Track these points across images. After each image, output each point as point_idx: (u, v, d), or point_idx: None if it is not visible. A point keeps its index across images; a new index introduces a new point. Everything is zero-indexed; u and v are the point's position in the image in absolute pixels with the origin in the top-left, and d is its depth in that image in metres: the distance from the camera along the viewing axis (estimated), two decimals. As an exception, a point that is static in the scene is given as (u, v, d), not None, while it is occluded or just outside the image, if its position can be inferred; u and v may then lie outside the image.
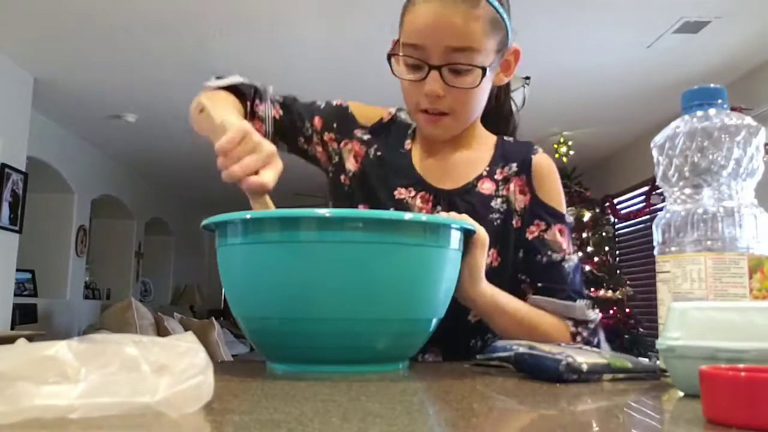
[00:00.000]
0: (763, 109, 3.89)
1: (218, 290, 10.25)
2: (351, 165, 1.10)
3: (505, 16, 0.97)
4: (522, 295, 0.99)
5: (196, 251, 9.79)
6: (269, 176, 0.82)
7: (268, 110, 1.08)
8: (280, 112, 1.10)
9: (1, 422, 0.39)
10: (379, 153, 1.09)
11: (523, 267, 1.02)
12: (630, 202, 5.82)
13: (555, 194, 1.05)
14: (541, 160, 1.06)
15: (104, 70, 4.20)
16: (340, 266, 0.70)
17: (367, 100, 1.24)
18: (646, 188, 5.44)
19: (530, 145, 1.08)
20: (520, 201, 1.03)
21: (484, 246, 0.86)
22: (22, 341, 0.45)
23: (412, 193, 1.05)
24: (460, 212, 0.99)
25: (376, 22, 3.50)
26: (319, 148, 1.12)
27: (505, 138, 1.11)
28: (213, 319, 5.63)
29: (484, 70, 0.94)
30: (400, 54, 0.96)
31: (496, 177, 1.05)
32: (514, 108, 1.16)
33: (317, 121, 1.11)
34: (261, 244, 0.73)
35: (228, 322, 7.50)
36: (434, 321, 0.79)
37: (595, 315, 1.00)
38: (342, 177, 1.10)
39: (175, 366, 0.44)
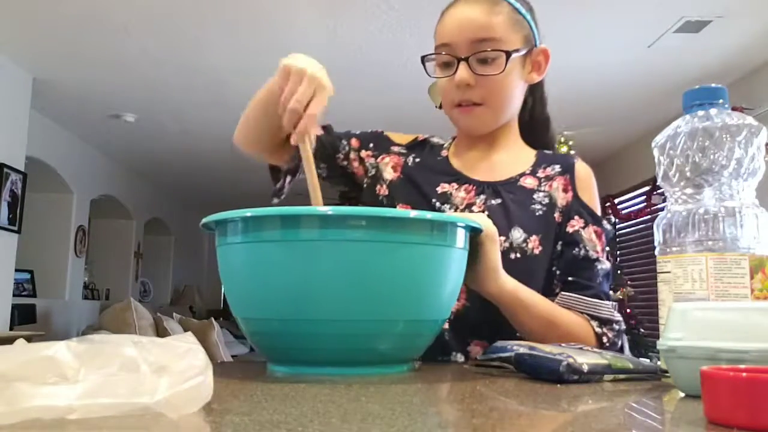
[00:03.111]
0: (765, 108, 3.89)
1: (218, 291, 10.26)
2: (389, 175, 1.15)
3: (527, 16, 1.06)
4: (553, 289, 1.01)
5: (196, 251, 9.79)
6: (315, 106, 0.88)
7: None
8: (321, 131, 1.16)
9: (1, 423, 0.39)
10: (418, 160, 1.15)
11: (558, 259, 1.04)
12: (631, 202, 5.82)
13: (593, 200, 1.09)
14: (583, 166, 1.12)
15: (103, 69, 4.20)
16: (342, 266, 0.68)
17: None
18: (647, 188, 5.44)
19: (571, 156, 1.14)
20: (562, 198, 1.06)
21: (495, 240, 0.87)
22: (20, 342, 0.45)
23: (456, 187, 1.09)
24: (504, 202, 1.04)
25: (376, 23, 3.50)
26: (356, 164, 1.17)
27: (546, 152, 1.16)
28: (212, 319, 5.63)
29: (507, 54, 1.00)
30: (435, 53, 1.05)
31: (538, 175, 1.09)
32: (551, 123, 1.21)
33: (354, 141, 1.18)
34: (261, 243, 0.71)
35: (227, 322, 7.49)
36: (440, 322, 0.78)
37: (619, 317, 1.01)
38: (378, 187, 1.15)
39: (175, 367, 0.44)
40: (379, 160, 1.17)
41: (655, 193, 5.26)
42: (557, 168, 1.09)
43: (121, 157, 6.52)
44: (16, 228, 4.43)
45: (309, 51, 0.93)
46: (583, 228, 1.04)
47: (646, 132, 5.23)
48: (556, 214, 1.05)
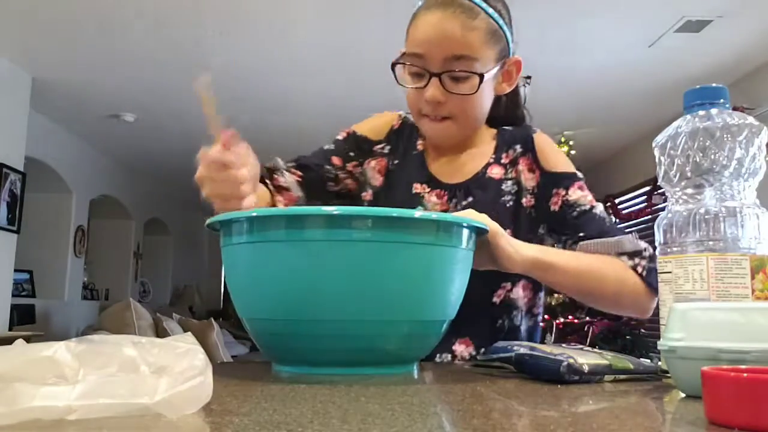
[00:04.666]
0: (766, 108, 3.88)
1: (217, 291, 10.25)
2: (375, 180, 1.14)
3: (505, 27, 1.02)
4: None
5: (195, 251, 9.78)
6: (250, 200, 0.82)
7: (288, 178, 1.10)
8: (299, 173, 1.12)
9: (0, 423, 0.39)
10: (396, 161, 1.14)
11: (563, 230, 1.05)
12: (632, 202, 5.82)
13: (561, 160, 1.09)
14: (541, 137, 1.11)
15: (102, 69, 4.20)
16: (348, 266, 0.68)
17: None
18: (647, 188, 5.43)
19: (528, 127, 1.13)
20: (530, 180, 1.07)
21: (502, 233, 0.89)
22: (20, 342, 0.45)
23: (427, 190, 1.09)
24: (476, 200, 1.05)
25: (376, 23, 3.50)
26: (349, 180, 1.15)
27: (504, 127, 1.15)
28: (212, 319, 5.63)
29: (481, 76, 0.98)
30: (406, 63, 1.02)
31: (503, 161, 1.09)
32: (527, 116, 1.19)
33: (335, 160, 1.14)
34: (266, 243, 0.71)
35: (227, 323, 7.48)
36: (446, 322, 0.78)
37: (645, 243, 0.99)
38: (364, 193, 1.15)
39: (174, 367, 0.44)
40: (365, 165, 1.15)
41: (655, 193, 5.26)
42: (518, 148, 1.09)
43: (120, 157, 6.51)
44: (15, 228, 4.43)
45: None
46: (567, 193, 1.04)
47: (646, 132, 5.22)
48: (525, 199, 1.06)
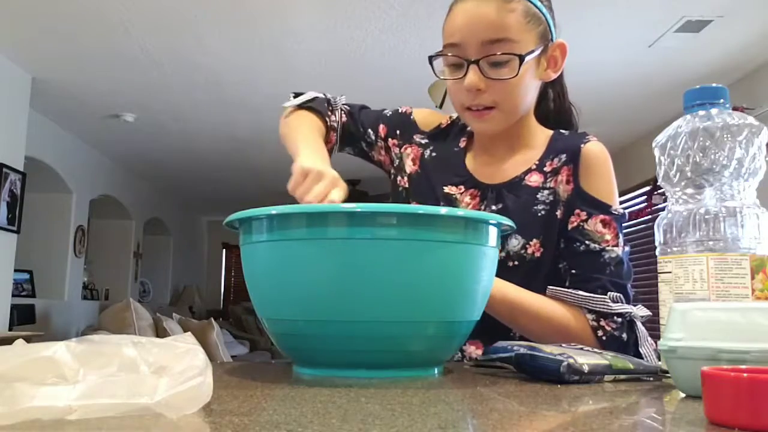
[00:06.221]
0: (766, 108, 3.88)
1: (217, 291, 10.25)
2: (409, 167, 1.15)
3: (543, 9, 1.00)
4: (561, 285, 0.99)
5: (196, 251, 9.78)
6: (336, 195, 0.85)
7: (339, 118, 1.17)
8: (344, 118, 1.17)
9: (0, 423, 0.39)
10: (434, 154, 1.14)
11: (563, 255, 1.01)
12: (631, 202, 5.82)
13: (602, 184, 1.02)
14: (590, 149, 1.03)
15: (103, 69, 4.20)
16: (371, 265, 0.66)
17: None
18: (647, 188, 5.44)
19: (584, 135, 1.07)
20: (564, 191, 1.02)
21: None
22: (20, 342, 0.45)
23: (462, 190, 1.07)
24: (506, 205, 1.02)
25: (376, 24, 3.50)
26: (383, 152, 1.19)
27: (561, 131, 1.10)
28: (212, 319, 5.63)
29: (521, 58, 0.95)
30: (443, 55, 0.99)
31: (545, 169, 1.04)
32: (574, 112, 1.15)
33: (382, 128, 1.18)
34: (287, 242, 0.69)
35: (227, 322, 7.47)
36: (472, 323, 0.76)
37: (625, 309, 0.96)
38: (399, 179, 1.16)
39: (174, 367, 0.44)
40: (402, 149, 1.16)
41: (655, 193, 5.26)
42: (564, 158, 1.03)
43: (120, 157, 6.51)
44: (15, 228, 4.43)
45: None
46: (586, 221, 0.99)
47: (646, 132, 5.23)
48: (559, 211, 1.01)
